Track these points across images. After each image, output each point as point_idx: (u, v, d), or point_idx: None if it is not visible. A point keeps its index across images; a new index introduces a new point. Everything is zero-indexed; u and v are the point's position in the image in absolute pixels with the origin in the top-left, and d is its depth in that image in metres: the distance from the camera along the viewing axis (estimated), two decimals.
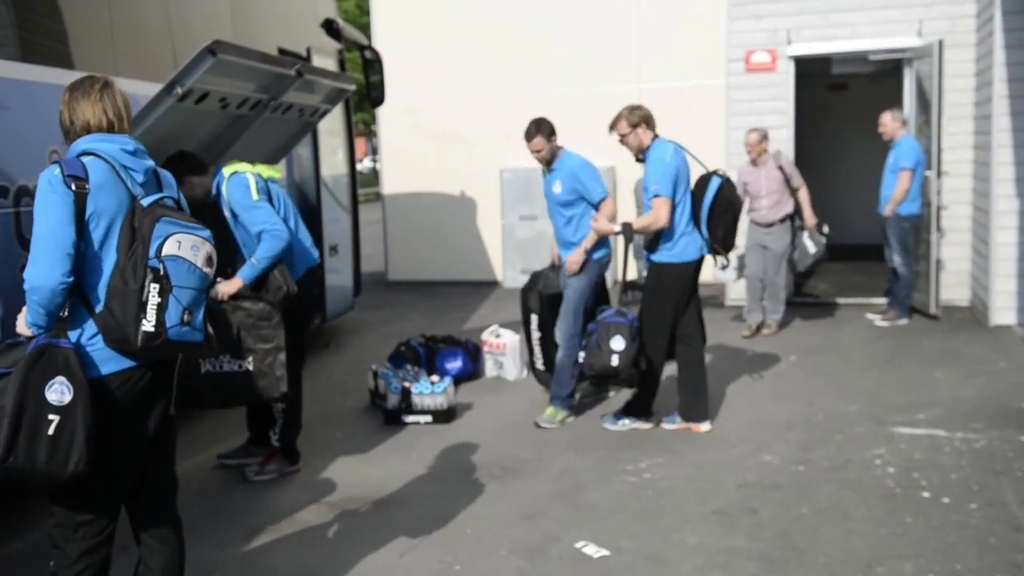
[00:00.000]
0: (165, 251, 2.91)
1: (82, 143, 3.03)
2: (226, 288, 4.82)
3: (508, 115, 11.40)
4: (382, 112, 12.14)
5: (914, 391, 6.61)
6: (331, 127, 9.02)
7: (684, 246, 5.75)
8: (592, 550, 4.23)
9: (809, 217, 8.51)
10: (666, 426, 5.91)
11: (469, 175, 12.34)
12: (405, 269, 12.77)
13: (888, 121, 8.77)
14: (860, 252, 12.06)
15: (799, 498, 4.76)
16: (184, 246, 2.96)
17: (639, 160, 5.83)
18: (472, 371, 7.33)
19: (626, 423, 5.97)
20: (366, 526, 4.58)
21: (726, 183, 5.79)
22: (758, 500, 4.76)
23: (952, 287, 9.39)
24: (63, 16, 5.23)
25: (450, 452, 5.65)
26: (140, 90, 5.36)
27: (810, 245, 8.50)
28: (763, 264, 8.62)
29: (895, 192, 8.57)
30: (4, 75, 4.67)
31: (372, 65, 9.60)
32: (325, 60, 8.72)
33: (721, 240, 5.82)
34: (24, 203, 4.70)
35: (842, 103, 13.61)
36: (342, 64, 9.36)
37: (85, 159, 2.98)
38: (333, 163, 9.20)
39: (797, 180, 8.48)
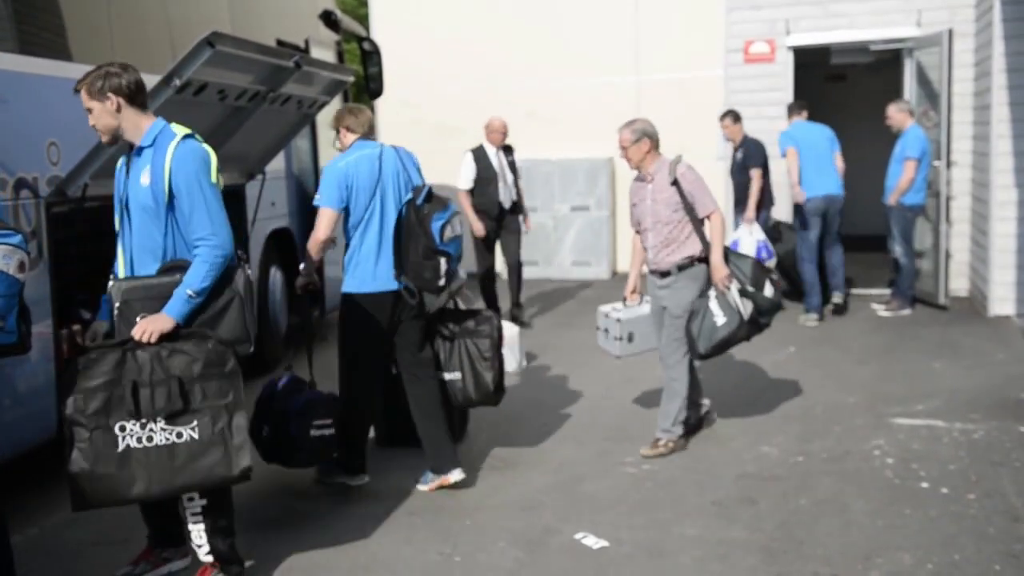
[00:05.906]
0: None
1: None
2: (160, 326, 3.51)
3: (508, 107, 11.38)
4: (381, 104, 12.11)
5: (913, 382, 6.62)
6: (330, 119, 8.98)
7: (371, 273, 4.81)
8: (591, 542, 4.24)
9: (719, 266, 5.15)
10: (421, 487, 4.92)
11: None
12: None
13: (894, 113, 8.73)
14: (858, 243, 12.03)
15: (798, 490, 4.77)
16: None
17: None
18: None
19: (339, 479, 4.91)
20: (365, 517, 4.58)
21: (412, 204, 4.82)
22: (757, 492, 4.77)
23: (952, 277, 9.39)
24: (61, 8, 5.21)
25: None
26: None
27: (717, 313, 5.13)
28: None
29: (900, 181, 8.54)
30: (2, 67, 4.66)
31: (371, 56, 9.59)
32: (323, 51, 8.70)
33: (413, 274, 4.76)
34: (23, 195, 4.69)
35: (841, 93, 13.60)
36: (340, 55, 9.34)
37: None
38: (332, 155, 9.16)
39: (704, 204, 5.15)
